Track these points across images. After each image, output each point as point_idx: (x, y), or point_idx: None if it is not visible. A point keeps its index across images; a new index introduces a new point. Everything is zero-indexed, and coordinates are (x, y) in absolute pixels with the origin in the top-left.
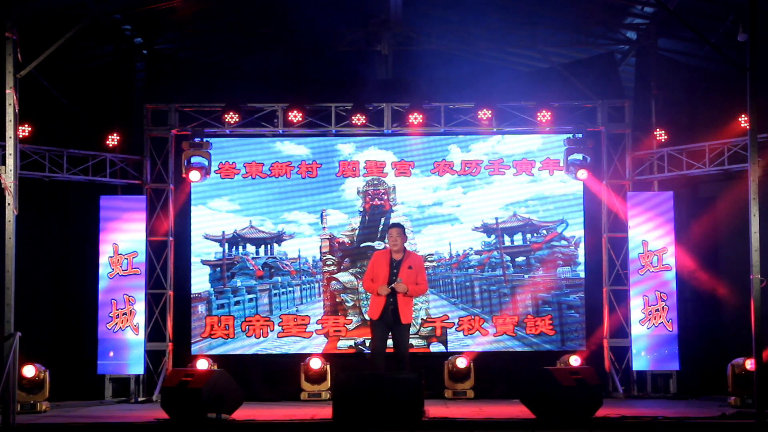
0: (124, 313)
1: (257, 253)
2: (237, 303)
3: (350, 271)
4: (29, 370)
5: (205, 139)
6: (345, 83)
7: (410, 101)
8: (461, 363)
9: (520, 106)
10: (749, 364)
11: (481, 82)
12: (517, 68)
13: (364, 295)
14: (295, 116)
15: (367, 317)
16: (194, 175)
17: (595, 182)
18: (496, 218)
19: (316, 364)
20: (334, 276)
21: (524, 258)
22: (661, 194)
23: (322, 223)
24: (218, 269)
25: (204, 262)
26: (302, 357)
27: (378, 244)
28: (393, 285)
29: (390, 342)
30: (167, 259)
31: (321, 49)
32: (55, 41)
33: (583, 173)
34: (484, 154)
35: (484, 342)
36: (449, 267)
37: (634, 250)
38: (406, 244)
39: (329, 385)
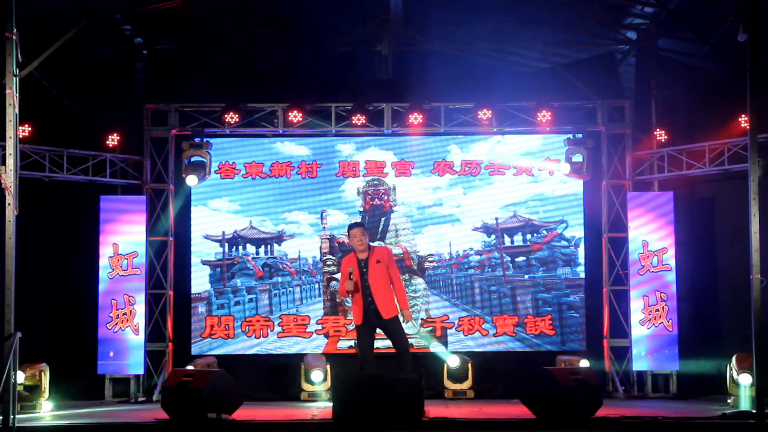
0: (124, 314)
1: (257, 253)
2: (237, 303)
3: None
4: (29, 376)
5: (205, 139)
6: (345, 83)
7: (410, 101)
8: (453, 362)
9: (520, 106)
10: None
11: (481, 82)
12: (517, 68)
13: None
14: (295, 116)
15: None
16: (191, 180)
17: (595, 183)
18: (496, 218)
19: (317, 377)
20: (334, 276)
21: (524, 258)
22: (661, 194)
23: (322, 223)
24: (218, 269)
25: (204, 263)
26: (302, 357)
27: (378, 245)
28: (403, 320)
29: (388, 343)
30: (167, 259)
31: (321, 49)
32: (55, 41)
33: (566, 167)
34: (485, 154)
35: (484, 342)
36: (449, 267)
37: (635, 251)
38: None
39: (329, 385)
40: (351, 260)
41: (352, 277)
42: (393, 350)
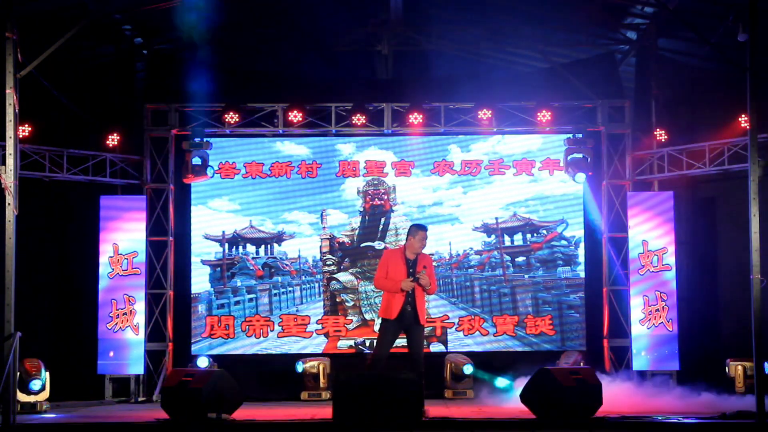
0: (124, 313)
1: (257, 253)
2: (237, 303)
3: (350, 271)
4: (35, 384)
5: (205, 139)
6: (345, 83)
7: (410, 101)
8: (468, 370)
9: (520, 106)
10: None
11: (481, 82)
12: (517, 68)
13: (364, 295)
14: (295, 116)
15: (377, 317)
16: (209, 171)
17: (595, 183)
18: (496, 218)
19: (299, 367)
20: (334, 276)
21: (524, 258)
22: (661, 194)
23: (322, 223)
24: (218, 269)
25: (204, 262)
26: (302, 357)
27: (378, 244)
28: (418, 276)
29: (398, 342)
30: (167, 259)
31: (321, 49)
32: (55, 41)
33: (581, 176)
34: (484, 154)
35: (484, 342)
36: (449, 267)
37: (634, 250)
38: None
39: (329, 385)
40: (398, 257)
41: (414, 280)
42: (404, 350)
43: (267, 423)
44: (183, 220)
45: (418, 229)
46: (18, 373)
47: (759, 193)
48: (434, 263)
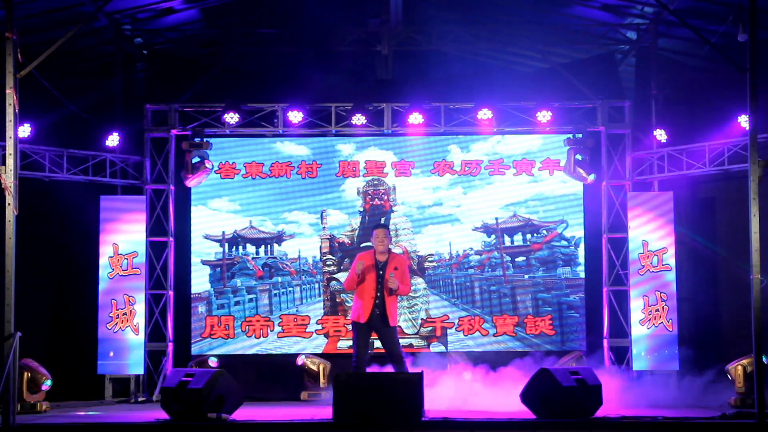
0: (124, 314)
1: (257, 253)
2: (237, 303)
3: None
4: (47, 383)
5: (205, 139)
6: (345, 83)
7: (410, 101)
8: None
9: (520, 106)
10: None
11: (481, 82)
12: (517, 68)
13: None
14: (295, 116)
15: (349, 320)
16: (209, 163)
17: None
18: (496, 218)
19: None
20: (334, 276)
21: (524, 258)
22: (661, 194)
23: (322, 223)
24: (218, 269)
25: (204, 262)
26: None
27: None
28: (387, 281)
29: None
30: (167, 259)
31: (321, 49)
32: (55, 41)
33: (592, 176)
34: (484, 155)
35: (484, 342)
36: (449, 267)
37: (635, 251)
38: (391, 246)
39: (329, 384)
40: (368, 258)
41: (359, 269)
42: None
43: (267, 423)
44: (183, 221)
45: (375, 229)
46: (28, 374)
47: (759, 193)
48: (434, 263)
